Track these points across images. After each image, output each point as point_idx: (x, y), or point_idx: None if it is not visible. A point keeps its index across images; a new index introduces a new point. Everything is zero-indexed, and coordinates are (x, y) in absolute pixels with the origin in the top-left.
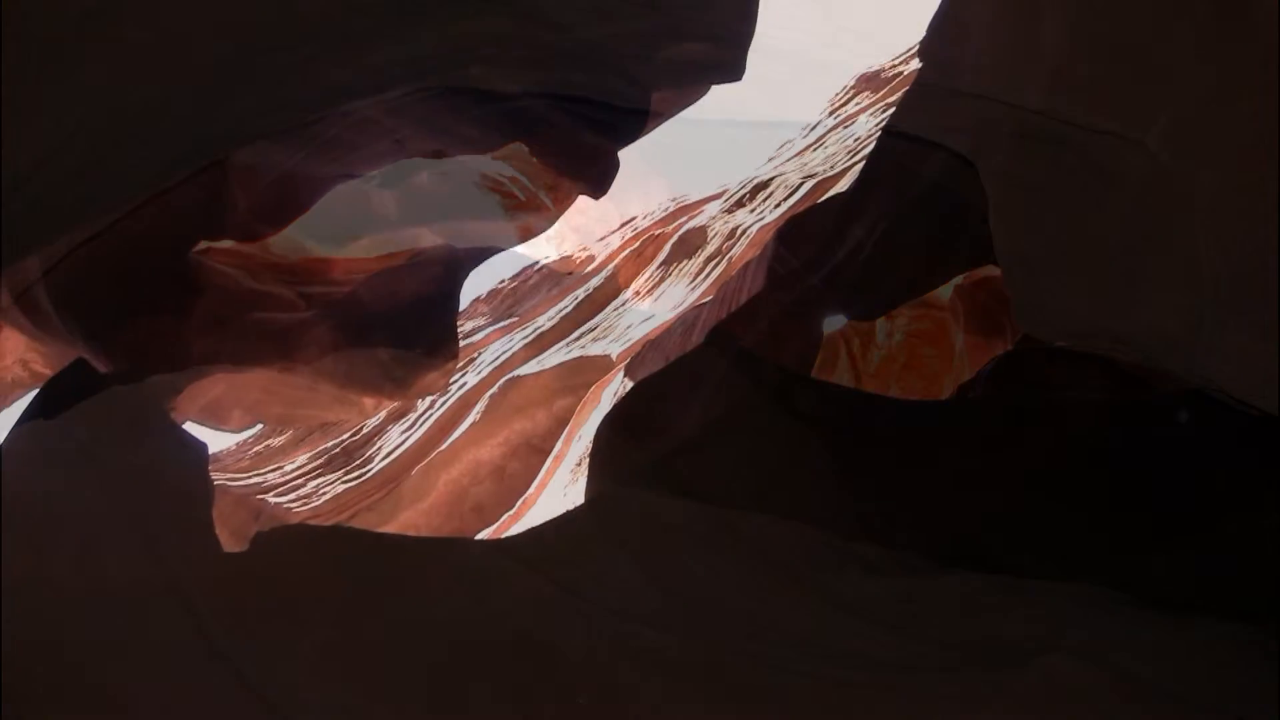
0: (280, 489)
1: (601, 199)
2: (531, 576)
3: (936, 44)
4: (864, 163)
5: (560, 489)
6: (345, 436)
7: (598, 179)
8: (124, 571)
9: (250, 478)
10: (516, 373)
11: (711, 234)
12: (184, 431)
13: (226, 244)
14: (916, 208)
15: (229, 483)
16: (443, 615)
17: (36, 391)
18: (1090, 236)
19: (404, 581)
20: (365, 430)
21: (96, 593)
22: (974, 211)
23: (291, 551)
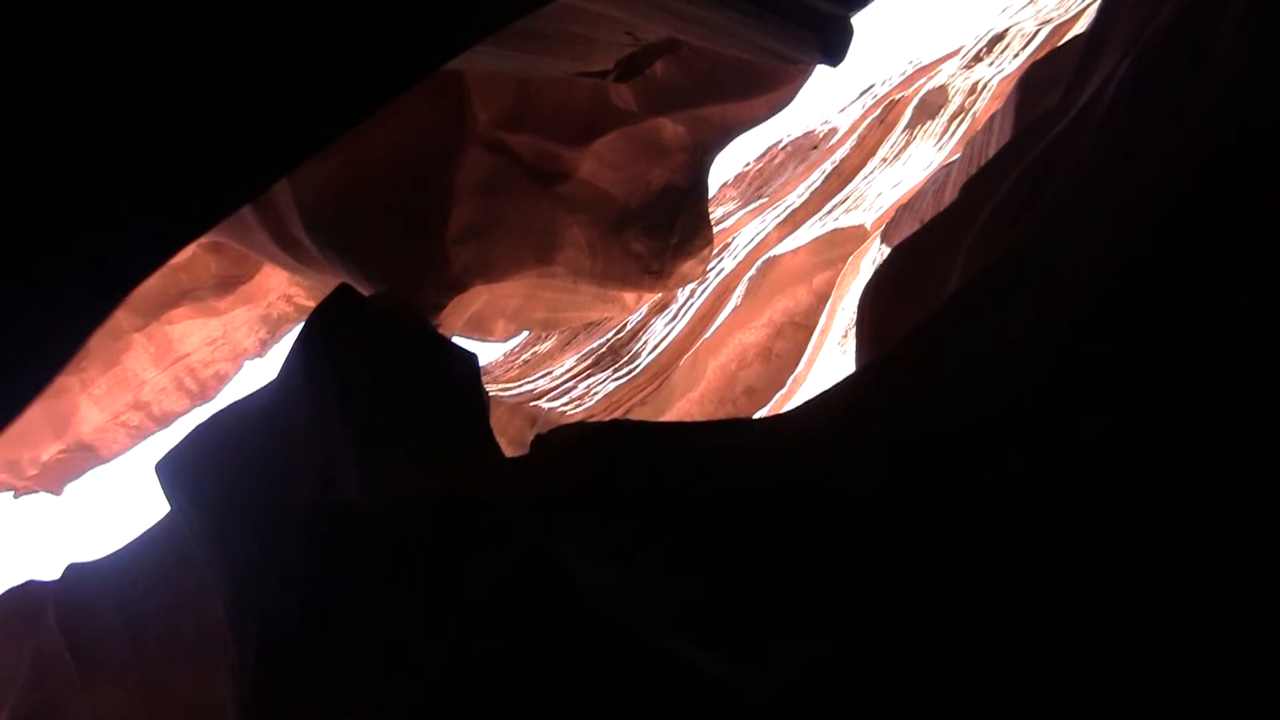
0: (552, 393)
1: (839, 67)
2: (811, 450)
3: None
4: (1101, 1)
5: (829, 363)
6: (610, 335)
7: (835, 47)
8: (408, 482)
9: (521, 386)
10: (772, 253)
11: (952, 92)
12: (453, 344)
13: (473, 154)
14: (1159, 41)
15: (501, 393)
16: (731, 494)
17: (304, 322)
18: None
19: (690, 467)
20: (629, 326)
21: (377, 504)
22: (1220, 43)
23: (575, 448)
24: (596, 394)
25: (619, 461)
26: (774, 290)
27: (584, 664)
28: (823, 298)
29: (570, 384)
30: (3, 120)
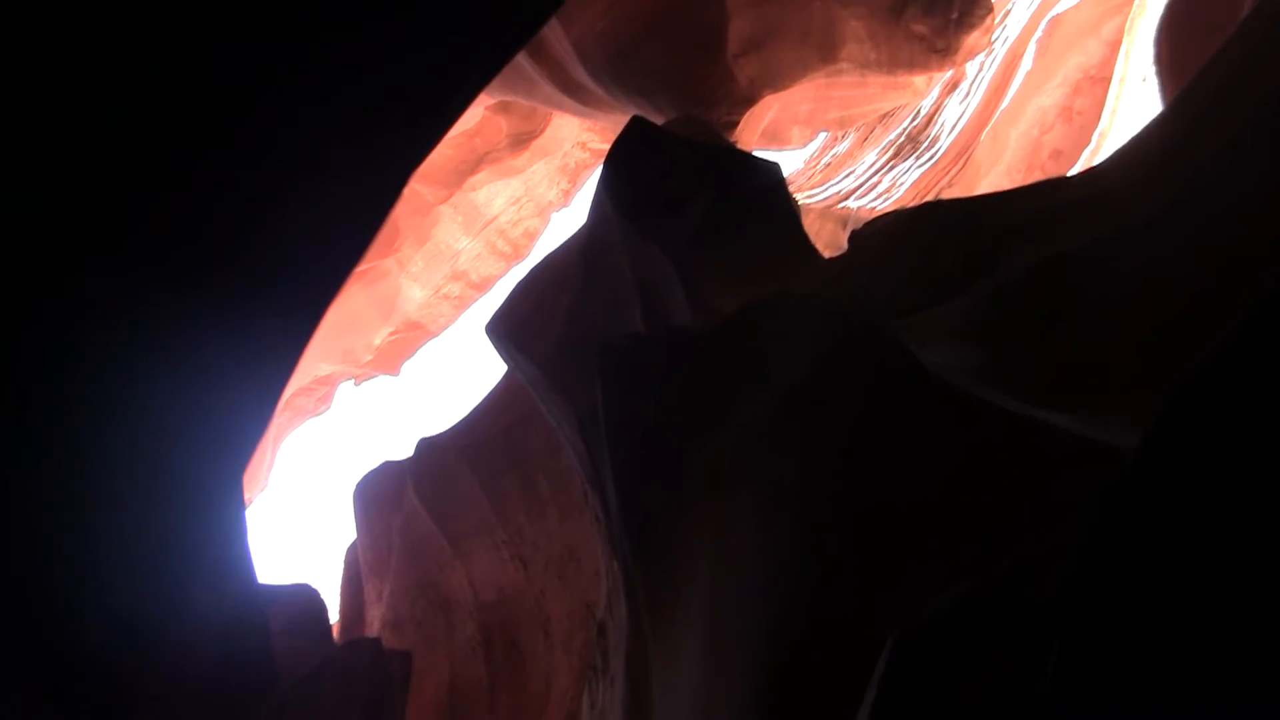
0: (858, 191)
1: None
2: (1130, 201)
3: None
4: None
5: (1132, 110)
6: (905, 123)
7: None
8: (734, 297)
9: (826, 189)
10: (1056, 10)
11: None
12: (754, 157)
13: None
14: None
15: (808, 200)
16: (1056, 257)
17: (603, 163)
18: None
19: (1011, 236)
20: (923, 111)
21: (707, 323)
22: None
23: (893, 238)
24: (902, 184)
25: (939, 243)
26: (1064, 48)
27: (941, 440)
28: (1115, 46)
29: (875, 179)
30: None
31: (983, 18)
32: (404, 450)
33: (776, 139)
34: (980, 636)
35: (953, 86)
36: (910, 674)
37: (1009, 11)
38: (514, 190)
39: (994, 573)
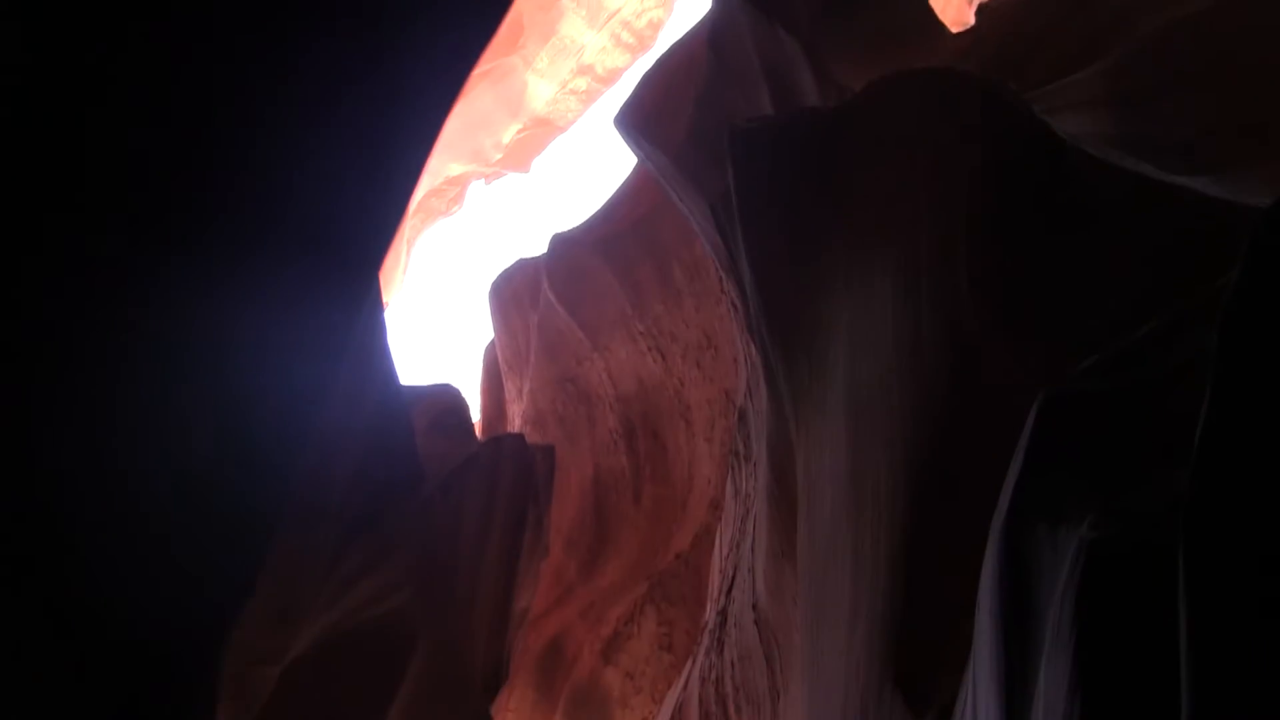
0: None
1: None
2: None
3: None
4: None
5: None
6: None
7: None
8: (862, 74)
9: None
10: None
11: None
12: None
13: None
14: None
15: None
16: (1192, 15)
17: None
18: None
19: None
20: None
21: (839, 100)
22: None
23: (1021, 7)
24: None
25: (1068, 12)
26: None
27: (1078, 209)
28: None
29: None
30: None
31: None
32: (538, 248)
33: None
34: (1127, 397)
35: None
36: (1058, 431)
37: None
38: None
39: (1137, 337)
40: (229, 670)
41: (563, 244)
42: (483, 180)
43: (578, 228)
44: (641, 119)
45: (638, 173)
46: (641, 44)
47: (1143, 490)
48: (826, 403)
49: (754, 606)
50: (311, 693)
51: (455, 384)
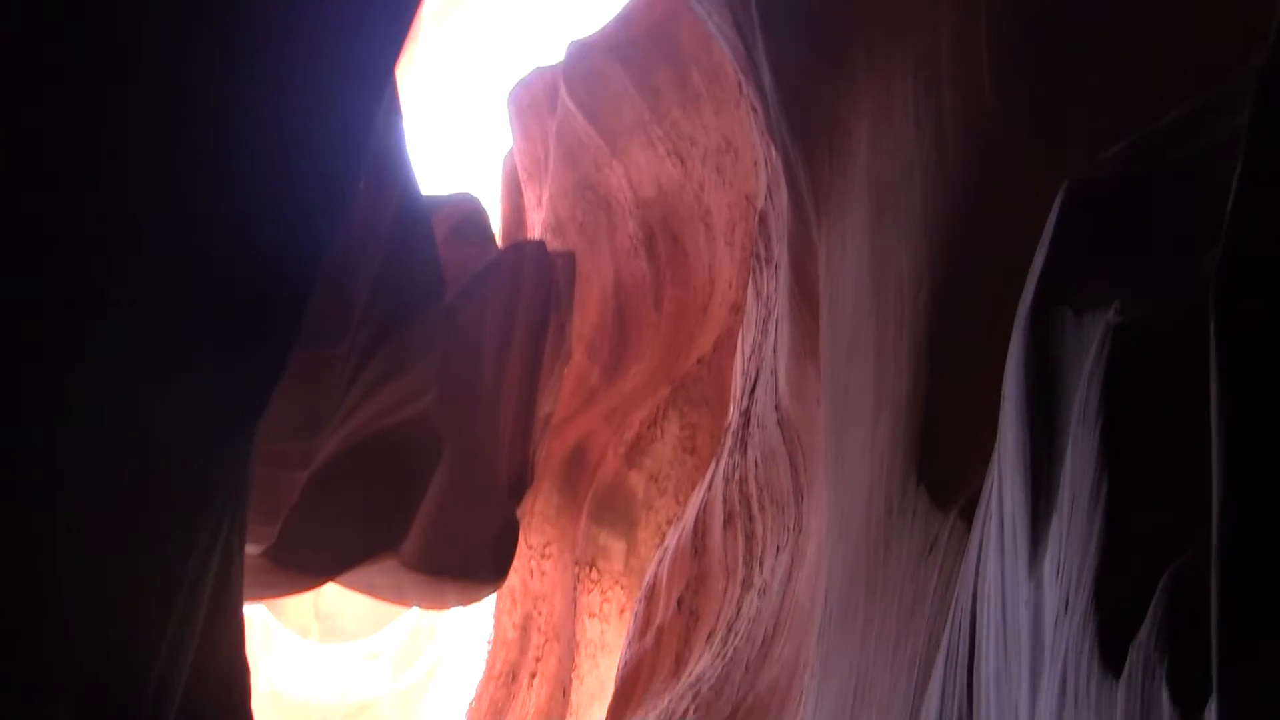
0: None
1: None
2: None
3: None
4: None
5: None
6: None
7: None
8: None
9: None
10: None
11: None
12: None
13: None
14: None
15: None
16: None
17: None
18: None
19: None
20: None
21: None
22: None
23: None
24: None
25: None
26: None
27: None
28: None
29: None
30: None
31: None
32: (555, 55)
33: None
34: (1154, 182)
35: None
36: (1084, 217)
37: None
38: None
39: (1165, 122)
40: (257, 475)
41: (580, 51)
42: None
43: (595, 34)
44: None
45: None
46: None
47: (1171, 274)
48: (848, 199)
49: (777, 407)
50: (339, 495)
51: (475, 194)
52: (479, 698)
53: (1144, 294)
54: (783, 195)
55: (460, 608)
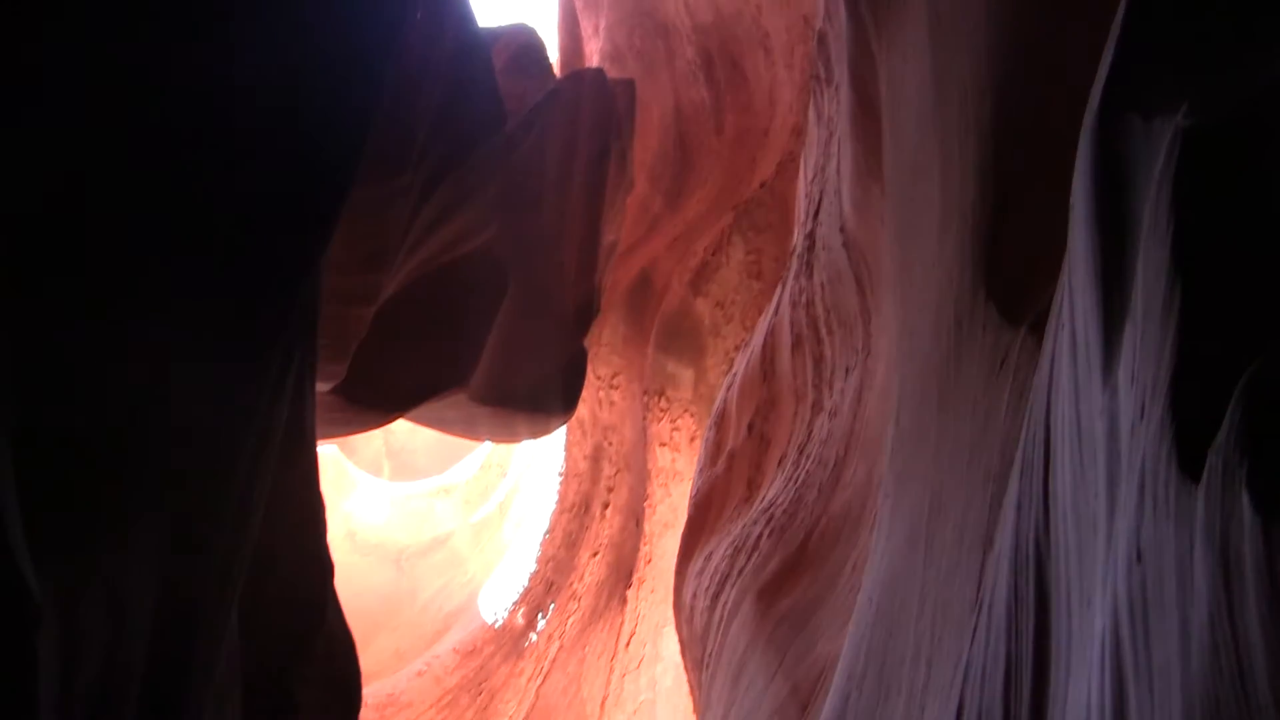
0: None
1: None
2: None
3: None
4: None
5: None
6: None
7: None
8: None
9: None
10: None
11: None
12: None
13: None
14: None
15: None
16: None
17: None
18: None
19: None
20: None
21: None
22: None
23: None
24: None
25: None
26: None
27: None
28: None
29: None
30: None
31: None
32: None
33: None
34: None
35: None
36: (1149, 19)
37: None
38: None
39: None
40: (325, 312)
41: None
42: None
43: None
44: None
45: None
46: None
47: (1238, 73)
48: (907, 14)
49: (841, 229)
50: (406, 330)
51: (532, 25)
52: (552, 529)
53: (1211, 94)
54: (841, 14)
55: (531, 440)
